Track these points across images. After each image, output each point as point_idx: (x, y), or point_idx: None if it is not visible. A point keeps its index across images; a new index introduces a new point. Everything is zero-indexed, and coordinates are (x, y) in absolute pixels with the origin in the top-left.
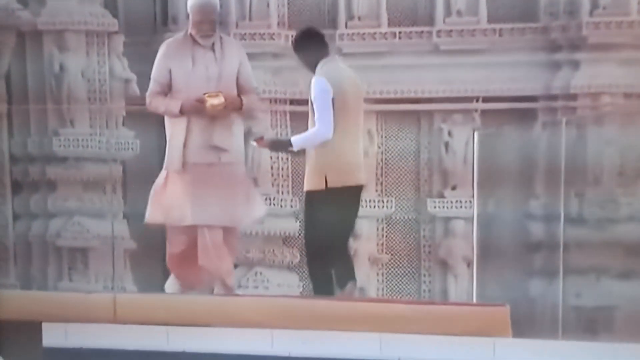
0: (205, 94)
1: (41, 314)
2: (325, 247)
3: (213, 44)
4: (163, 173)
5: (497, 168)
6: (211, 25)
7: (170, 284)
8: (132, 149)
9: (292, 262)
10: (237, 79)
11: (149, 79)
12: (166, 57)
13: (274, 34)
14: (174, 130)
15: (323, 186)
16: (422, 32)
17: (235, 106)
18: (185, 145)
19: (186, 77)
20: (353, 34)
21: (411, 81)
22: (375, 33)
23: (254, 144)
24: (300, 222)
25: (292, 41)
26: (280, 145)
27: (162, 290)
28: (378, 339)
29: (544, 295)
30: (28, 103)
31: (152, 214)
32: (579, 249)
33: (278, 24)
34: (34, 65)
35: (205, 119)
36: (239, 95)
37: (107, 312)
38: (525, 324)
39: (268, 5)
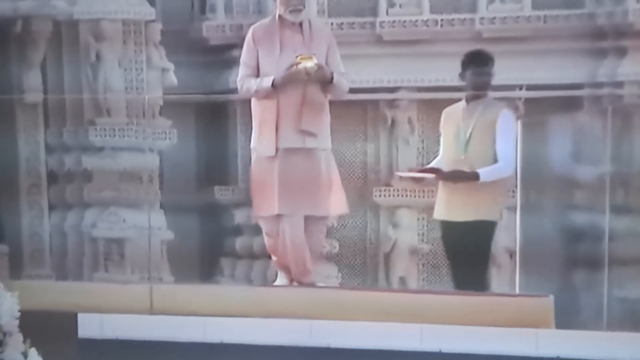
0: (298, 56)
1: (76, 305)
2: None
3: (301, 26)
4: (254, 160)
5: (540, 157)
6: None
7: (279, 279)
8: (169, 138)
9: (330, 253)
10: (326, 63)
11: (184, 68)
12: (254, 41)
13: None
14: (264, 114)
15: (499, 217)
16: (464, 19)
17: (326, 76)
18: (277, 129)
19: (274, 60)
20: (394, 21)
21: (453, 69)
22: (416, 20)
23: (424, 175)
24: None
25: (473, 55)
26: (463, 177)
27: (199, 280)
28: (419, 330)
29: (588, 286)
30: (64, 93)
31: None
32: (624, 239)
33: (317, 11)
34: (70, 55)
35: (294, 102)
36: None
37: (143, 303)
38: (569, 315)
39: None
